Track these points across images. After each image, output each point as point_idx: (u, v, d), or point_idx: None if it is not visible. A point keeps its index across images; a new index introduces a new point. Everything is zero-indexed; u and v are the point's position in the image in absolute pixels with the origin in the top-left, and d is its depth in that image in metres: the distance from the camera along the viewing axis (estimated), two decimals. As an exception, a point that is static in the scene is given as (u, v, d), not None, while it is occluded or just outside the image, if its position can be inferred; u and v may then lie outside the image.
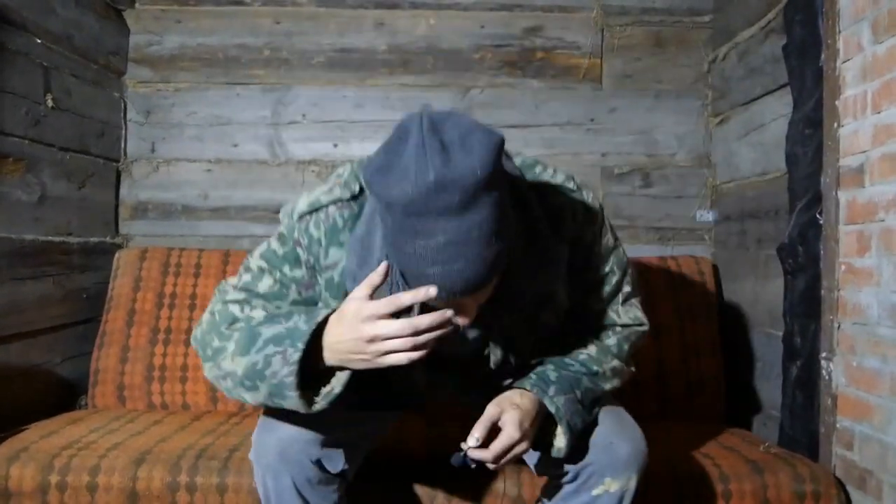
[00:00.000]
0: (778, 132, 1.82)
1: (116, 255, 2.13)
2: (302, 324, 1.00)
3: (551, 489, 1.27)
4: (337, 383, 1.02)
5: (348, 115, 2.34)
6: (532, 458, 1.32)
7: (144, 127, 2.34)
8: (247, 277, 1.16)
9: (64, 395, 1.99)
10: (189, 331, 2.00)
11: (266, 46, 2.34)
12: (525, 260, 1.10)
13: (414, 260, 0.92)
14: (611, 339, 1.25)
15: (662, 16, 2.34)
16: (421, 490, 1.44)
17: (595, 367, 1.22)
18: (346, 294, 1.07)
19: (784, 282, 1.77)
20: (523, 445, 1.09)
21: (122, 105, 2.31)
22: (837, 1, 1.56)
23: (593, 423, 1.21)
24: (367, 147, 2.33)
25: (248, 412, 1.94)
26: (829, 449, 1.56)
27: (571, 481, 1.20)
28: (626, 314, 1.27)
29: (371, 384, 1.11)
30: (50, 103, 1.90)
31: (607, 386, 1.25)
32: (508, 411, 1.09)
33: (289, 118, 2.34)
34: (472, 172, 0.88)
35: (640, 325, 1.28)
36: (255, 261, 1.17)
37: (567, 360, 1.22)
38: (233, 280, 1.17)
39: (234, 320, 1.10)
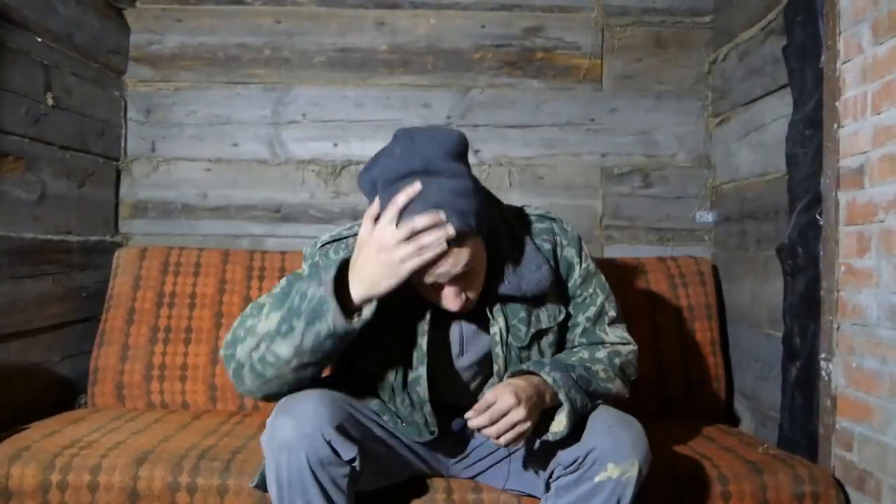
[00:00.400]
0: (778, 133, 1.83)
1: (116, 253, 2.13)
2: (329, 264, 1.20)
3: (550, 480, 1.27)
4: (367, 310, 1.16)
5: (348, 115, 2.34)
6: (529, 482, 1.35)
7: (144, 126, 2.34)
8: (275, 291, 1.28)
9: (63, 394, 1.99)
10: (188, 329, 2.00)
11: (266, 46, 2.34)
12: (515, 268, 1.29)
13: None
14: (600, 353, 1.36)
15: (663, 16, 2.34)
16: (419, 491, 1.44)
17: (588, 365, 1.32)
18: None
19: (784, 282, 1.77)
20: (521, 412, 1.16)
21: (123, 104, 2.31)
22: (838, 2, 1.56)
23: (592, 411, 1.26)
24: (367, 146, 2.34)
25: (247, 411, 1.95)
26: (828, 450, 1.57)
27: (573, 472, 1.21)
28: (613, 333, 1.40)
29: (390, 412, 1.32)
30: (50, 102, 1.90)
31: (601, 385, 1.30)
32: (503, 389, 1.20)
33: (289, 118, 2.34)
34: (431, 148, 1.15)
35: (628, 343, 1.40)
36: (280, 282, 1.30)
37: (561, 356, 1.36)
38: (262, 298, 1.30)
39: (262, 305, 1.24)
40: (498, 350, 1.31)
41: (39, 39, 1.86)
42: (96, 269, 2.14)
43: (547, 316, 1.34)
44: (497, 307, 1.31)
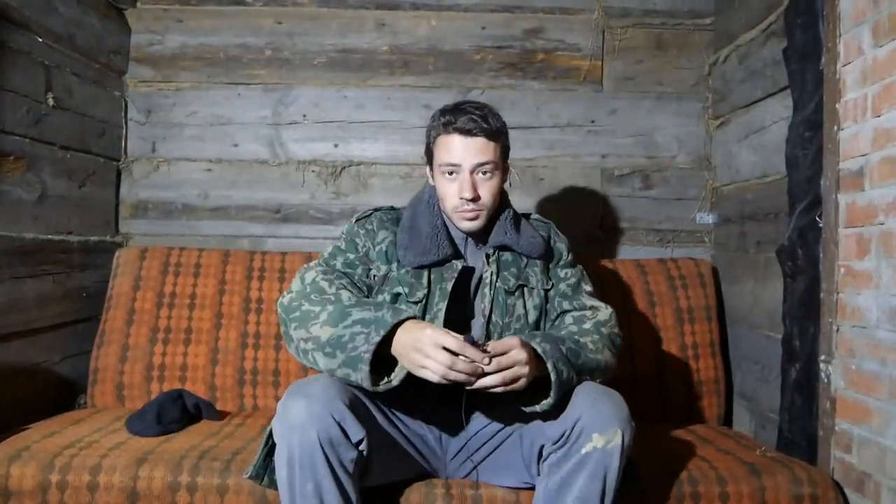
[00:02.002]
0: (778, 135, 1.83)
1: (116, 253, 2.14)
2: (388, 317, 1.27)
3: (541, 462, 1.30)
4: (396, 378, 1.26)
5: (349, 116, 2.34)
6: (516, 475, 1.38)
7: (145, 126, 2.34)
8: (325, 256, 1.51)
9: (63, 394, 1.99)
10: (188, 330, 2.00)
11: (267, 46, 2.34)
12: (515, 231, 1.51)
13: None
14: (587, 324, 1.48)
15: (663, 18, 2.34)
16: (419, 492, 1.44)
17: (577, 338, 1.41)
18: (391, 259, 1.48)
19: (783, 284, 1.77)
20: (524, 354, 1.24)
21: (123, 104, 2.32)
22: (838, 4, 1.56)
23: (578, 385, 1.32)
24: (367, 147, 2.34)
25: (248, 412, 1.95)
26: (827, 452, 1.57)
27: (561, 446, 1.25)
28: (592, 301, 1.55)
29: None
30: (51, 102, 1.90)
31: (590, 357, 1.37)
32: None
33: (289, 118, 2.35)
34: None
35: (606, 307, 1.54)
36: (325, 253, 1.52)
37: (552, 330, 1.49)
38: (311, 263, 1.49)
39: (323, 292, 1.39)
40: (486, 290, 1.46)
41: (40, 39, 1.86)
42: (96, 269, 2.14)
43: (535, 280, 1.52)
44: (494, 256, 1.50)
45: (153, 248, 2.14)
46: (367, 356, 1.22)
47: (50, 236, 1.92)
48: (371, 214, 1.57)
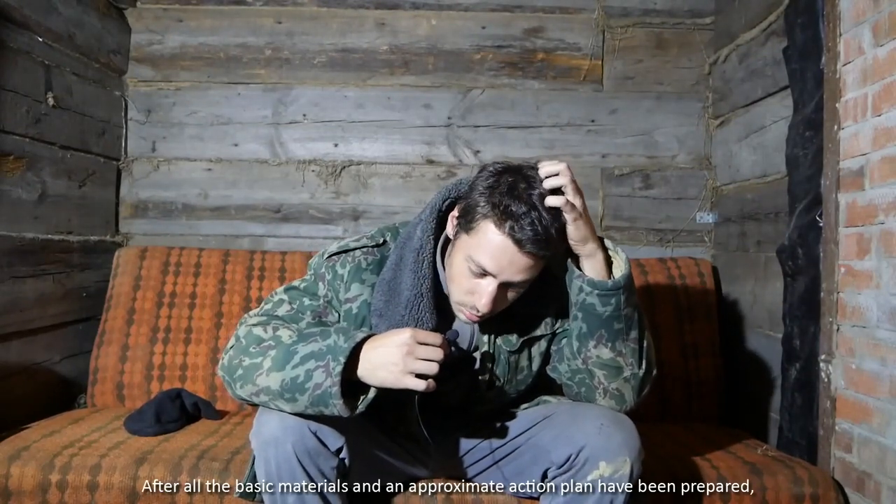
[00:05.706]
0: (778, 134, 1.83)
1: (116, 253, 2.14)
2: (342, 342, 1.15)
3: (545, 481, 1.28)
4: (373, 389, 1.16)
5: (349, 115, 2.34)
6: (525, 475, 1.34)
7: (145, 126, 2.34)
8: (267, 306, 1.32)
9: (63, 394, 1.99)
10: (188, 329, 2.00)
11: (267, 46, 2.34)
12: (536, 295, 1.30)
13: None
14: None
15: (663, 17, 2.34)
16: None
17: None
18: (365, 324, 1.29)
19: (783, 284, 1.77)
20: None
21: (123, 104, 2.32)
22: (838, 4, 1.56)
23: (632, 329, 1.27)
24: (367, 147, 2.34)
25: (247, 412, 1.95)
26: (827, 451, 1.57)
27: (566, 471, 1.22)
28: None
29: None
30: (51, 102, 1.90)
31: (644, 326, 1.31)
32: None
33: (289, 118, 2.35)
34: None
35: None
36: (277, 294, 1.34)
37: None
38: (254, 310, 1.34)
39: (261, 341, 1.23)
40: (486, 349, 1.33)
41: (40, 39, 1.86)
42: (97, 268, 2.14)
43: (542, 323, 1.35)
44: (495, 322, 1.30)
45: (153, 248, 2.14)
46: (336, 389, 1.10)
47: (50, 236, 1.92)
48: (348, 253, 1.32)
